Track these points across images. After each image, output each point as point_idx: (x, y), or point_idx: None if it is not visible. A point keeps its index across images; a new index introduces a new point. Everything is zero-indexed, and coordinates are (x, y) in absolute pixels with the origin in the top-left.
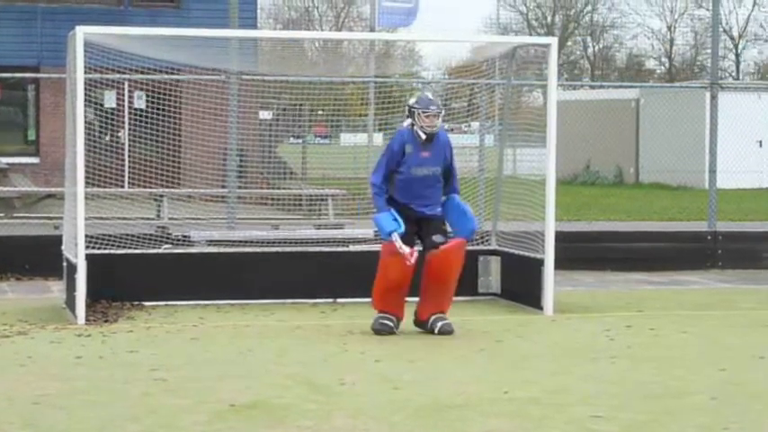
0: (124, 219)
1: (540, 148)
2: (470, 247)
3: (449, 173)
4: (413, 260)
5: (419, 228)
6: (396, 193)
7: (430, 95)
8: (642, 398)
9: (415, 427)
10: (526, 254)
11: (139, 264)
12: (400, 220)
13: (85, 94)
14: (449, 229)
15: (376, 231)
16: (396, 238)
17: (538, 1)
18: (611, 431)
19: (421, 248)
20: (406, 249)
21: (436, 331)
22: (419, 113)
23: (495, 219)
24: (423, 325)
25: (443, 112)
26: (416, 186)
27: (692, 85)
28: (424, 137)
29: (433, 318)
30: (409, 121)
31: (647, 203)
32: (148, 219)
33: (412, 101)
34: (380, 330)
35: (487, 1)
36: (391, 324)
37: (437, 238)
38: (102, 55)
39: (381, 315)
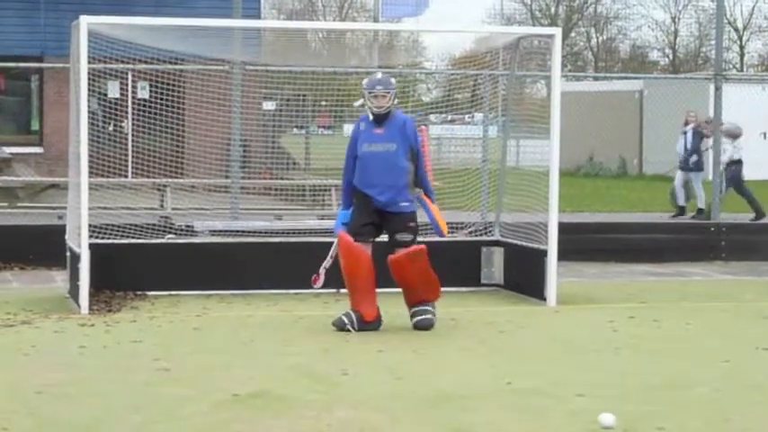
0: (127, 209)
1: (544, 139)
2: (474, 238)
3: (415, 161)
4: (316, 285)
5: (383, 221)
6: (355, 178)
7: (378, 75)
8: (645, 389)
9: (417, 418)
10: (529, 245)
11: (143, 254)
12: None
13: (89, 84)
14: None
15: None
16: (340, 236)
17: None
18: None
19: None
20: (321, 274)
21: (413, 327)
22: (366, 94)
23: (498, 210)
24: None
25: (394, 92)
26: (372, 168)
27: (697, 76)
28: (371, 117)
29: (412, 311)
30: (361, 101)
31: (650, 195)
32: (152, 209)
33: (363, 81)
34: (336, 324)
35: None
36: (347, 321)
37: (400, 236)
38: (105, 45)
39: (346, 311)
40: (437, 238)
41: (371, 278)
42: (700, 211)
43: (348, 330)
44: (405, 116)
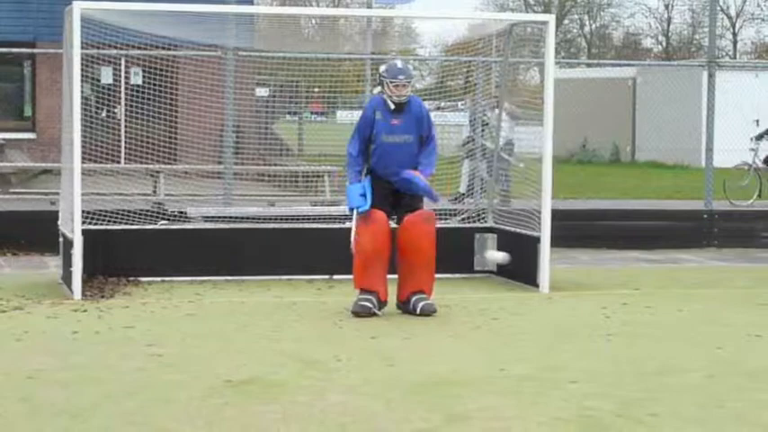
0: (121, 194)
1: (537, 126)
2: (467, 225)
3: (424, 143)
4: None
5: (395, 203)
6: (372, 163)
7: (399, 64)
8: (638, 375)
9: (410, 404)
10: (522, 231)
11: (136, 240)
12: (369, 196)
13: (82, 70)
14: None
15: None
16: (355, 216)
17: None
18: (606, 408)
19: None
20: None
21: (417, 311)
22: (387, 83)
23: (491, 197)
24: (404, 306)
25: (413, 80)
26: (390, 156)
27: (690, 63)
28: (393, 106)
29: (414, 298)
30: (379, 88)
31: (643, 182)
32: (145, 195)
33: (382, 68)
34: (360, 312)
35: None
36: (370, 305)
37: (413, 208)
38: (98, 30)
39: (361, 296)
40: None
41: (389, 251)
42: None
43: (375, 314)
44: (419, 102)
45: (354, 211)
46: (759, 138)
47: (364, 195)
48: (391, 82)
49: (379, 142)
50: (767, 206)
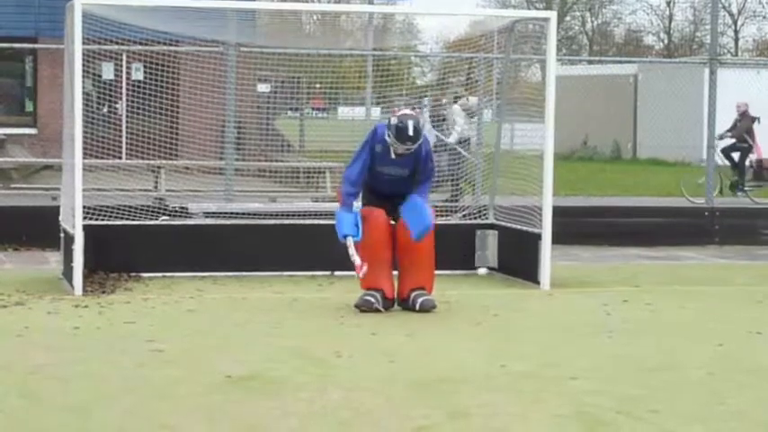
0: (122, 190)
1: (538, 123)
2: (468, 222)
3: (420, 171)
4: (361, 274)
5: (391, 203)
6: (369, 179)
7: (410, 130)
8: (638, 372)
9: (411, 400)
10: (523, 228)
11: (137, 235)
12: (360, 227)
13: (83, 66)
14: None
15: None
16: (350, 243)
17: None
18: (606, 405)
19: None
20: (357, 259)
21: (417, 307)
22: (393, 142)
23: (492, 193)
24: (405, 303)
25: (419, 146)
26: (383, 185)
27: (691, 60)
28: (393, 156)
29: (413, 294)
30: (389, 136)
31: (644, 179)
32: (146, 190)
33: (393, 120)
34: (362, 306)
35: None
36: (374, 300)
37: None
38: (100, 26)
39: (365, 291)
40: None
41: (391, 249)
42: None
43: (378, 310)
44: (426, 144)
45: (349, 240)
46: (721, 138)
47: (357, 225)
48: (401, 146)
49: (375, 171)
50: None
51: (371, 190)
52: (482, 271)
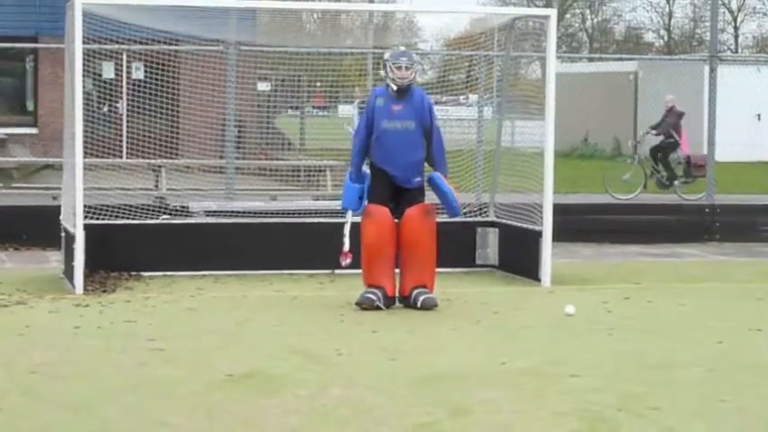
0: (122, 189)
1: (539, 120)
2: (469, 219)
3: (429, 137)
4: (344, 263)
5: (396, 198)
6: (372, 154)
7: (403, 49)
8: (639, 369)
9: (412, 398)
10: (524, 226)
11: (137, 234)
12: (365, 201)
13: (84, 65)
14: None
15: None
16: (348, 218)
17: None
18: (607, 402)
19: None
20: (347, 244)
21: (419, 305)
22: (390, 66)
23: (492, 191)
24: (406, 300)
25: (416, 66)
26: (390, 145)
27: (691, 57)
28: (395, 88)
29: (415, 292)
30: (382, 73)
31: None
32: (147, 189)
33: (386, 54)
34: (363, 303)
35: None
36: (375, 298)
37: (413, 202)
38: (100, 25)
39: (367, 289)
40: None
41: (394, 246)
42: None
43: (379, 307)
44: (422, 92)
45: (348, 214)
46: (646, 133)
47: (361, 198)
48: (394, 64)
49: (380, 130)
50: None
51: (378, 172)
52: (569, 310)
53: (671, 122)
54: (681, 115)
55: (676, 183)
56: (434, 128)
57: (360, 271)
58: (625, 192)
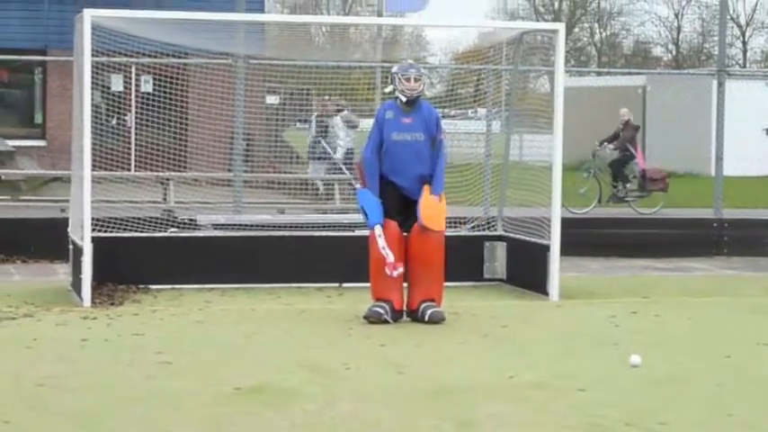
0: (130, 202)
1: (547, 134)
2: (476, 233)
3: (434, 150)
4: (395, 273)
5: (405, 212)
6: (381, 166)
7: (411, 62)
8: (647, 383)
9: (420, 411)
10: (532, 239)
11: (145, 247)
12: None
13: (92, 78)
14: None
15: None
16: (378, 233)
17: None
18: (615, 416)
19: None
20: (390, 255)
21: (426, 319)
22: (399, 77)
23: (501, 204)
24: (414, 314)
25: (425, 78)
26: (398, 156)
27: (700, 72)
28: (404, 99)
29: (423, 306)
30: (391, 87)
31: None
32: (155, 202)
33: (394, 68)
34: (371, 317)
35: None
36: (382, 311)
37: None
38: (109, 38)
39: (374, 303)
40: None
41: (402, 260)
42: None
43: (386, 321)
44: (429, 105)
45: (377, 228)
46: (600, 145)
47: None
48: (403, 75)
49: (389, 142)
50: None
51: (387, 184)
52: (635, 360)
53: (627, 136)
54: (637, 128)
55: (629, 198)
56: (439, 142)
57: (368, 284)
58: (581, 206)
